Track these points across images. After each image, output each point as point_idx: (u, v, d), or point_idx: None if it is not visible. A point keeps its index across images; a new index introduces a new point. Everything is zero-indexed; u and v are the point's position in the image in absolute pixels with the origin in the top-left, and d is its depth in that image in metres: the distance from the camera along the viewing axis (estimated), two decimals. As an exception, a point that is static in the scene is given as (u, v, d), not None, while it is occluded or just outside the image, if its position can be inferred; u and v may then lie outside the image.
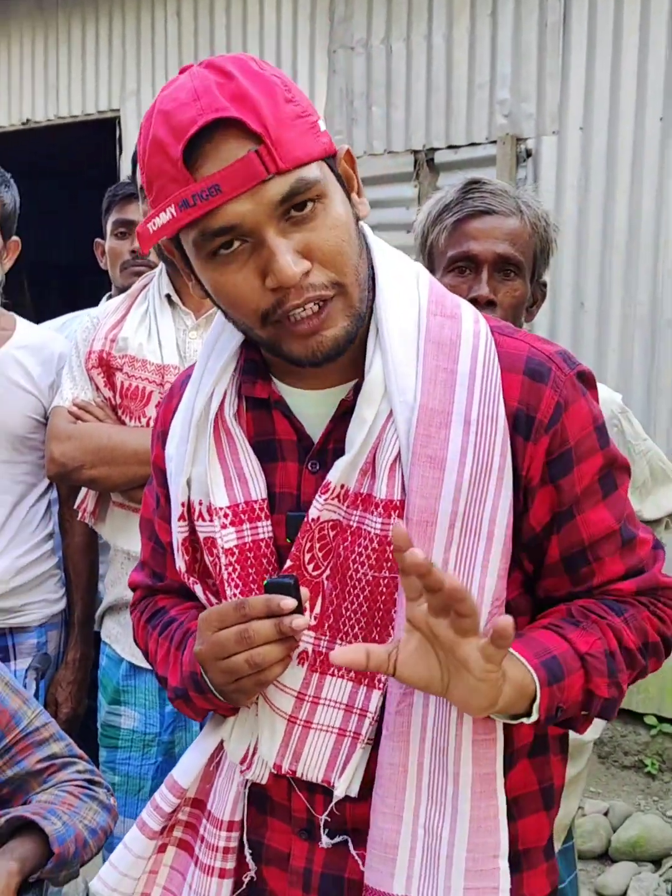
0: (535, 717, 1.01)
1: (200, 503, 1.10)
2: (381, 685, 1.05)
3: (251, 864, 1.16)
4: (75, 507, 2.15)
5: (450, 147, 4.56)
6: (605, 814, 3.74)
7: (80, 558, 2.30)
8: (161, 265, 2.13)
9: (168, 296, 2.09)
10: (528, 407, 1.05)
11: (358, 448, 1.03)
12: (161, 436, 1.20)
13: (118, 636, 2.12)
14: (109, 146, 5.84)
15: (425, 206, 1.71)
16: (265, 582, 1.01)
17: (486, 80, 4.44)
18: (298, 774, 1.08)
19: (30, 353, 2.23)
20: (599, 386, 1.89)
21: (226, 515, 1.08)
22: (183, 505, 1.12)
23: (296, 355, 1.02)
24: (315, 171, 0.98)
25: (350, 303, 1.01)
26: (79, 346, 2.13)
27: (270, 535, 1.09)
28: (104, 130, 5.91)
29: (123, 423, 2.06)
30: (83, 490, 2.14)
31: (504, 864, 1.04)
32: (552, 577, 1.11)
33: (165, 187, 0.97)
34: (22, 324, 2.29)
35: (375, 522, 1.03)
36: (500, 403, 1.04)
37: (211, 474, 1.09)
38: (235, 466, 1.10)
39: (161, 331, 2.07)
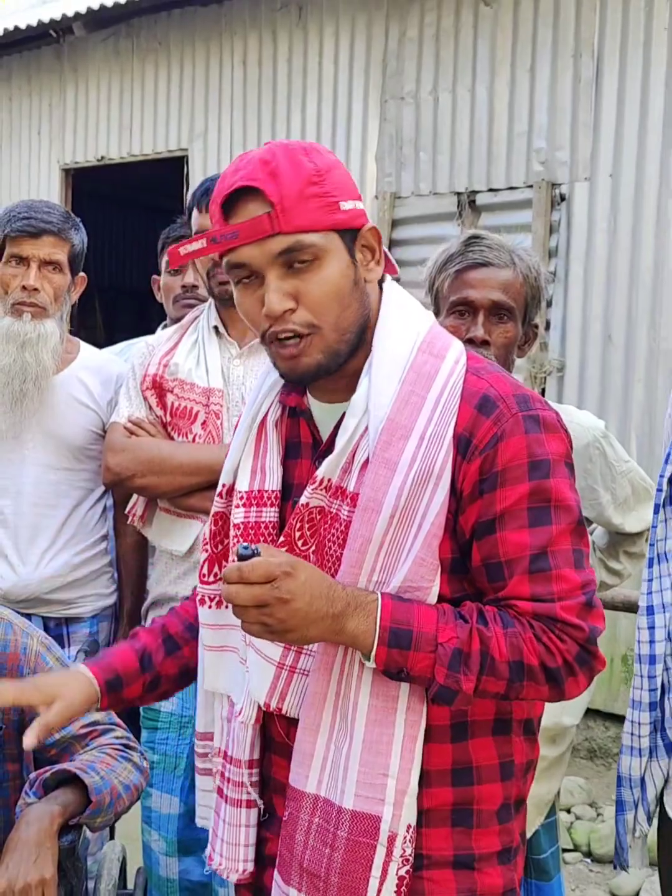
0: (372, 664, 1.19)
1: (225, 486, 1.36)
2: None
3: (258, 802, 1.33)
4: (126, 511, 2.27)
5: (490, 190, 4.67)
6: (622, 820, 3.81)
7: (130, 558, 2.40)
8: (210, 300, 2.28)
9: (216, 327, 2.23)
10: (471, 433, 1.21)
11: (339, 450, 1.25)
12: None
13: None
14: (178, 180, 6.01)
15: (433, 255, 1.88)
16: (236, 549, 1.20)
17: (525, 130, 4.54)
18: (284, 711, 1.26)
19: (91, 374, 2.37)
20: (586, 414, 2.04)
21: (242, 498, 1.32)
22: (224, 486, 1.36)
23: (281, 371, 1.27)
24: (316, 238, 1.20)
25: (326, 343, 1.22)
26: (135, 370, 2.27)
27: (273, 519, 1.30)
28: (174, 166, 6.07)
29: (172, 438, 2.19)
30: (134, 496, 2.26)
31: (391, 783, 1.20)
32: (479, 580, 1.24)
33: (210, 223, 1.25)
34: (85, 347, 2.45)
35: (344, 510, 1.24)
36: (451, 427, 1.21)
37: (243, 464, 1.33)
38: (262, 462, 1.33)
39: (208, 358, 2.21)
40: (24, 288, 2.21)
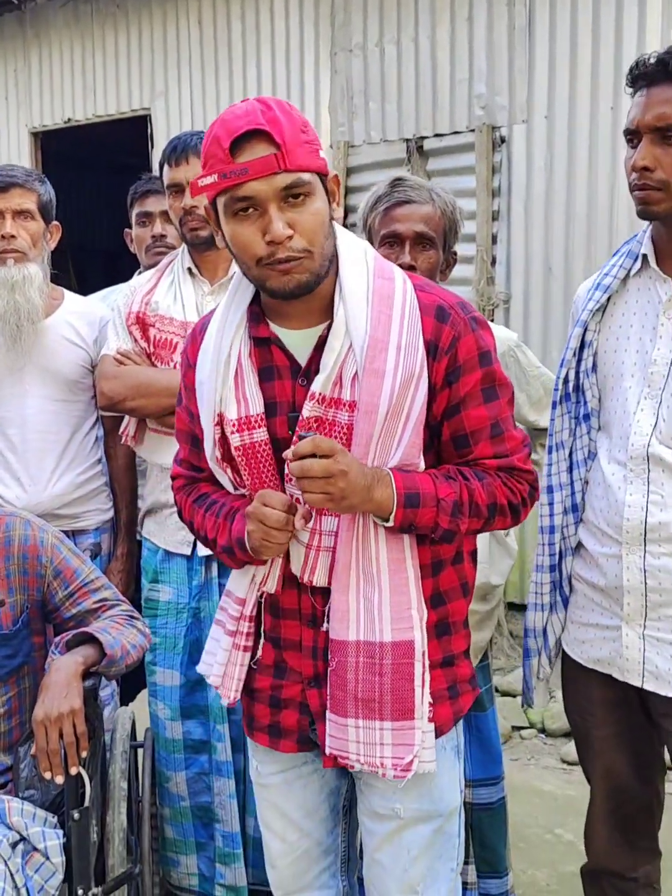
0: (391, 523, 1.45)
1: (218, 415, 1.51)
2: (337, 512, 1.49)
3: (257, 653, 1.61)
4: (120, 432, 2.48)
5: (436, 135, 4.76)
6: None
7: (123, 476, 2.62)
8: (183, 245, 2.47)
9: (189, 268, 2.43)
10: (436, 339, 1.48)
11: (330, 367, 1.45)
12: (191, 366, 1.58)
13: (154, 532, 2.45)
14: (143, 139, 6.02)
15: (366, 197, 2.12)
16: (299, 434, 1.42)
17: (465, 77, 4.62)
18: (316, 582, 1.50)
19: (78, 317, 2.57)
20: (500, 327, 2.31)
21: (234, 424, 1.50)
22: (219, 415, 1.51)
23: (274, 288, 1.43)
24: (309, 177, 1.40)
25: (313, 265, 1.42)
26: (120, 309, 2.46)
27: (265, 437, 1.50)
28: (137, 125, 6.07)
29: (155, 366, 2.38)
30: (126, 419, 2.46)
31: (414, 614, 1.48)
32: (446, 451, 1.54)
33: (215, 165, 1.38)
34: (68, 295, 2.64)
35: (344, 416, 1.46)
36: (420, 335, 1.47)
37: (226, 395, 1.50)
38: (244, 391, 1.50)
39: (184, 295, 2.41)
40: (2, 237, 2.38)
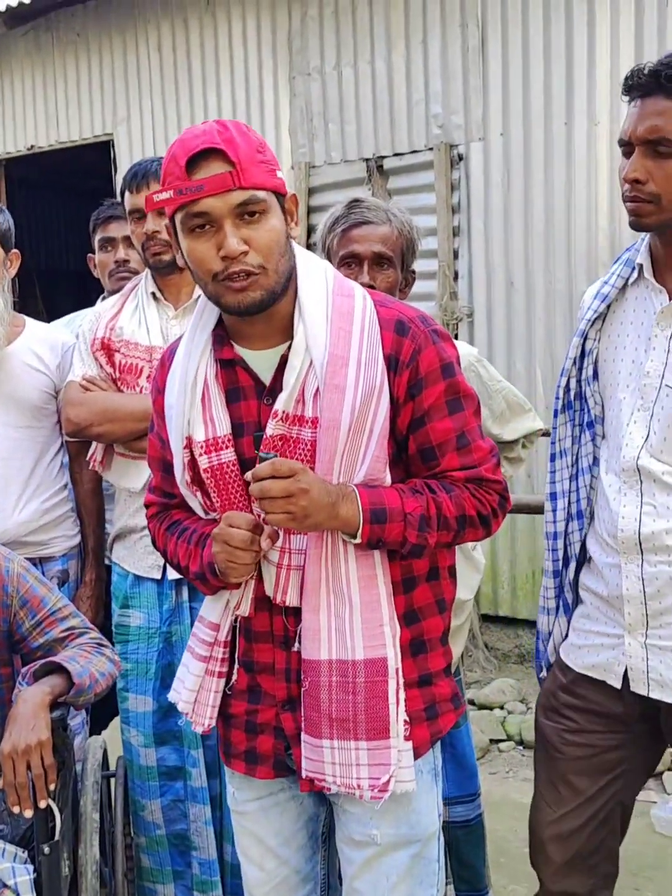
0: (357, 540, 1.43)
1: (188, 438, 1.50)
2: (306, 532, 1.47)
3: (234, 676, 1.57)
4: (87, 458, 2.45)
5: (395, 154, 4.80)
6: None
7: (89, 501, 2.58)
8: (147, 270, 2.45)
9: (153, 293, 2.41)
10: (397, 352, 1.47)
11: (291, 385, 1.43)
12: (160, 391, 1.58)
13: (124, 557, 2.41)
14: (106, 164, 6.01)
15: (323, 219, 2.11)
16: (259, 455, 1.40)
17: (422, 97, 4.66)
18: (288, 602, 1.48)
19: (40, 343, 2.52)
20: (461, 343, 2.31)
21: (202, 446, 1.49)
22: (187, 438, 1.50)
23: (228, 304, 1.43)
24: (264, 195, 1.41)
25: (268, 282, 1.41)
26: (85, 335, 2.44)
27: (232, 458, 1.49)
28: (101, 150, 6.06)
29: (121, 391, 2.35)
30: (93, 445, 2.43)
31: (387, 630, 1.46)
32: (414, 464, 1.52)
33: (172, 182, 1.39)
34: (30, 322, 2.59)
35: (307, 432, 1.44)
36: (380, 350, 1.46)
37: (194, 418, 1.49)
38: (211, 412, 1.49)
39: (148, 320, 2.39)
40: None
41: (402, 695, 1.48)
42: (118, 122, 5.91)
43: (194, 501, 1.56)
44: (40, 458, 2.51)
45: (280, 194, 1.45)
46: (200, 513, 1.57)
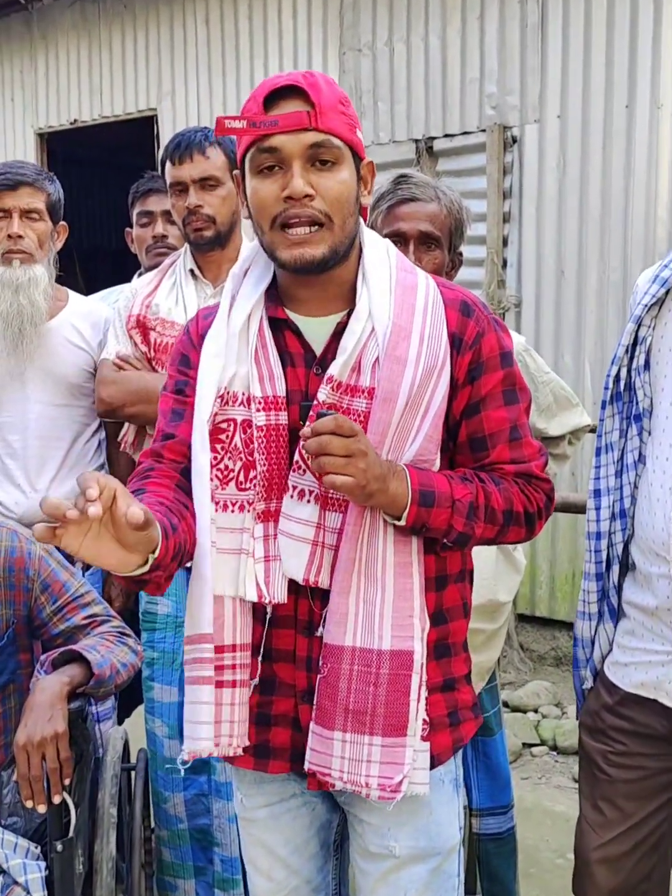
0: (402, 522, 1.37)
1: (243, 394, 1.40)
2: (345, 508, 1.40)
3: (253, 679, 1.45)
4: (118, 439, 2.43)
5: (446, 135, 4.71)
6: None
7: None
8: (186, 246, 2.41)
9: (192, 270, 2.37)
10: (461, 332, 1.43)
11: (350, 352, 1.38)
12: (195, 344, 1.46)
13: None
14: (149, 140, 5.99)
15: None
16: (318, 412, 1.31)
17: (477, 76, 4.56)
18: (320, 584, 1.39)
19: (82, 319, 2.52)
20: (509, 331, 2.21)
21: (259, 403, 1.40)
22: (224, 390, 1.40)
23: (285, 260, 1.36)
24: (340, 144, 1.36)
25: (332, 239, 1.36)
26: (120, 312, 2.41)
27: (285, 422, 1.41)
28: (144, 126, 6.03)
29: (156, 371, 2.33)
30: (125, 426, 2.41)
31: (416, 623, 1.39)
32: (461, 453, 1.47)
33: (247, 116, 1.35)
34: (73, 296, 2.59)
35: (361, 403, 1.39)
36: (444, 327, 1.42)
37: (251, 373, 1.41)
38: (267, 369, 1.41)
39: (186, 298, 2.35)
40: (9, 237, 2.34)
41: (424, 692, 1.42)
42: (163, 96, 5.88)
43: (203, 454, 1.40)
44: (77, 437, 2.50)
45: (357, 155, 1.41)
46: (205, 466, 1.40)
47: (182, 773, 1.63)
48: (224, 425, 1.43)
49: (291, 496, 1.41)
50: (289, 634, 1.47)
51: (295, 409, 1.42)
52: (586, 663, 1.82)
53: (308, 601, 1.45)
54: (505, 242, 4.58)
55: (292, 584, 1.43)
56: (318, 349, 1.44)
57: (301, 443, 1.37)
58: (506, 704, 4.11)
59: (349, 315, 1.42)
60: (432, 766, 1.44)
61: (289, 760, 1.49)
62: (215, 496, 1.41)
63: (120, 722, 2.60)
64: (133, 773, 2.17)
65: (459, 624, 1.52)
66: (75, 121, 6.36)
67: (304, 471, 1.40)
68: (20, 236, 2.35)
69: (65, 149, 6.96)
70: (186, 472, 1.45)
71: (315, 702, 1.42)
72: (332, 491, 1.37)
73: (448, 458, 1.47)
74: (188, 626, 1.42)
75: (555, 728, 3.94)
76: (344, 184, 1.37)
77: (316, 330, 1.45)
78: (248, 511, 1.42)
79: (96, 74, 6.18)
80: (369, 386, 1.39)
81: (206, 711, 1.41)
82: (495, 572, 2.05)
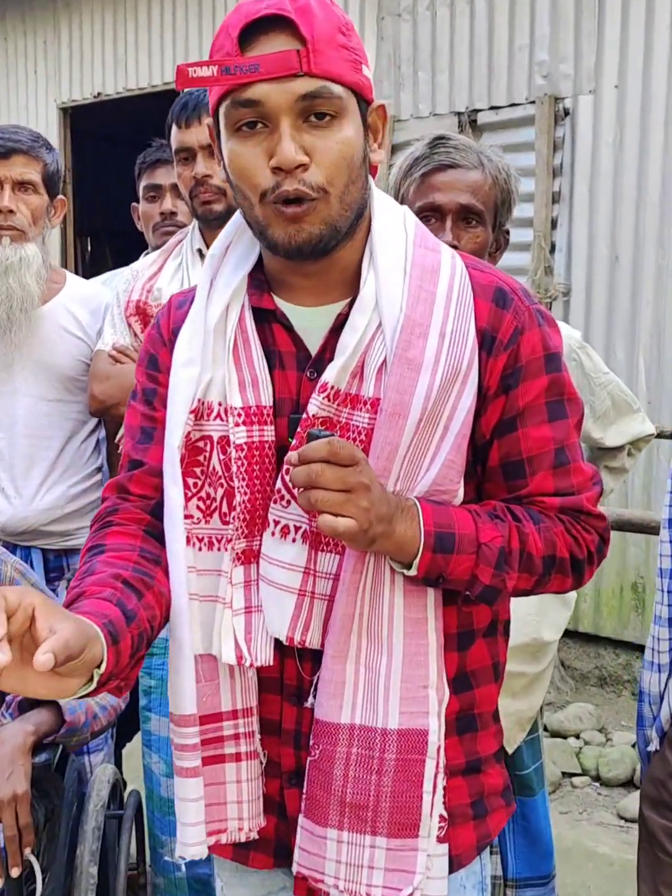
0: (413, 572, 1.12)
1: (219, 404, 1.17)
2: (341, 549, 1.15)
3: (260, 750, 1.23)
4: (115, 440, 2.26)
5: (492, 108, 4.54)
6: (633, 745, 3.82)
7: None
8: (194, 222, 2.22)
9: (199, 250, 2.17)
10: (494, 328, 1.16)
11: (350, 352, 1.13)
12: (165, 342, 1.24)
13: None
14: None
15: (398, 160, 1.79)
16: (307, 431, 1.07)
17: (526, 43, 4.39)
18: (309, 643, 1.16)
19: (79, 304, 2.33)
20: (562, 324, 1.97)
21: (239, 415, 1.16)
22: (199, 402, 1.17)
23: (276, 239, 1.11)
24: (341, 91, 1.08)
25: (330, 213, 1.10)
26: (119, 296, 2.24)
27: (271, 438, 1.17)
28: (171, 100, 5.98)
29: None
30: (123, 426, 2.26)
31: (432, 694, 1.15)
32: (492, 481, 1.21)
33: (219, 58, 1.07)
34: (72, 278, 2.41)
35: (363, 418, 1.14)
36: (472, 322, 1.15)
37: (229, 377, 1.17)
38: (250, 372, 1.17)
39: (193, 281, 2.12)
40: None
41: (441, 782, 1.17)
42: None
43: (175, 488, 1.18)
44: (72, 436, 2.33)
45: (364, 99, 1.13)
46: (178, 503, 1.18)
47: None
48: (201, 444, 1.19)
49: (272, 533, 1.16)
50: (273, 700, 1.23)
51: (283, 423, 1.17)
52: (652, 722, 1.62)
53: (296, 662, 1.20)
54: (554, 225, 4.39)
55: (276, 641, 1.19)
56: (313, 347, 1.18)
57: (285, 468, 1.12)
58: (544, 728, 3.89)
59: (352, 305, 1.16)
60: (452, 870, 1.19)
61: (273, 854, 1.25)
62: (194, 534, 1.19)
63: (117, 750, 2.41)
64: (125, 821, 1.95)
65: (488, 690, 1.26)
66: (99, 94, 6.27)
67: (289, 502, 1.15)
68: (11, 211, 2.17)
69: (89, 125, 6.82)
70: (158, 510, 1.21)
71: (305, 790, 1.19)
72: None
73: (474, 487, 1.21)
74: (171, 702, 1.20)
75: (598, 756, 3.73)
76: (346, 143, 1.10)
77: (310, 322, 1.19)
78: (226, 550, 1.17)
79: (121, 46, 6.07)
80: (373, 396, 1.14)
81: (193, 811, 1.19)
82: (540, 607, 1.84)
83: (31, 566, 2.20)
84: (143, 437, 1.24)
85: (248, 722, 1.22)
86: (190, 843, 1.20)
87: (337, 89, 1.08)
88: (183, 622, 1.17)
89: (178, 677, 1.18)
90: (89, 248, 9.30)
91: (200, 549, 1.19)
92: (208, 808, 1.22)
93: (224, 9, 5.49)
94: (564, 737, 3.90)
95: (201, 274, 1.26)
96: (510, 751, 1.82)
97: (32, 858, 1.48)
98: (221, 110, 1.11)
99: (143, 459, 1.23)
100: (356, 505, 1.04)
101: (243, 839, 1.23)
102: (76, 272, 6.96)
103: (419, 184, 1.72)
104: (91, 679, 1.01)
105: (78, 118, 6.62)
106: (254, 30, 1.06)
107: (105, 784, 1.88)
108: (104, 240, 8.99)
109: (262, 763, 1.24)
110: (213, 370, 1.18)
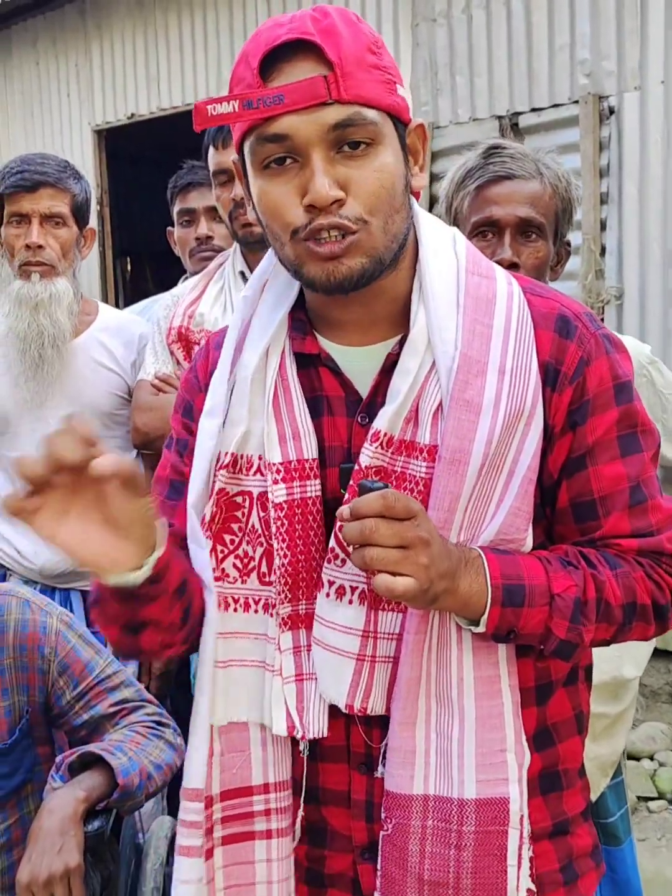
0: (481, 628, 1.05)
1: (259, 458, 1.11)
2: (403, 608, 1.07)
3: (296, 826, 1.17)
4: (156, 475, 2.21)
5: (533, 110, 4.45)
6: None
7: None
8: (236, 245, 2.16)
9: (242, 272, 2.11)
10: (557, 361, 1.08)
11: (403, 397, 1.06)
12: (202, 387, 1.18)
13: None
14: None
15: (450, 172, 1.70)
16: (360, 483, 1.00)
17: (567, 41, 4.31)
18: (371, 710, 1.09)
19: (112, 335, 2.28)
20: (627, 338, 1.86)
21: (278, 471, 1.09)
22: (232, 456, 1.11)
23: (313, 277, 1.04)
24: (375, 116, 1.01)
25: (372, 244, 1.03)
26: (160, 323, 2.18)
27: (318, 493, 1.10)
28: None
29: None
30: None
31: (511, 758, 1.07)
32: (562, 523, 1.12)
33: (240, 90, 1.01)
34: (104, 308, 2.36)
35: (420, 467, 1.07)
36: (534, 356, 1.07)
37: (268, 430, 1.10)
38: (291, 424, 1.11)
39: (236, 305, 2.11)
40: (27, 247, 2.12)
41: (527, 852, 1.09)
42: (223, 85, 5.67)
43: (201, 552, 1.11)
44: None
45: (401, 121, 1.06)
46: (205, 569, 1.12)
47: None
48: (240, 500, 1.11)
49: (327, 594, 1.08)
50: (341, 770, 1.14)
51: (334, 473, 1.09)
52: None
53: (360, 729, 1.12)
54: (603, 227, 4.29)
55: (337, 708, 1.10)
56: (364, 390, 1.10)
57: (337, 525, 1.04)
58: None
59: (403, 343, 1.08)
60: None
61: None
62: (229, 595, 1.13)
63: (171, 800, 2.32)
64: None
65: (573, 743, 1.17)
66: (132, 115, 6.26)
67: (344, 560, 1.07)
68: (40, 247, 2.13)
69: (125, 147, 6.83)
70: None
71: (380, 867, 1.10)
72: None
73: (543, 530, 1.12)
74: (184, 773, 1.13)
75: (676, 779, 3.59)
76: (386, 172, 1.02)
77: (360, 364, 1.11)
78: (270, 614, 1.10)
79: (153, 65, 6.06)
80: (431, 442, 1.07)
81: (184, 894, 1.11)
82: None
83: (71, 609, 2.13)
84: (171, 492, 1.19)
85: (282, 796, 1.15)
86: None
87: (371, 114, 1.01)
88: (204, 688, 1.11)
89: (190, 746, 1.13)
90: (129, 269, 9.39)
91: (235, 610, 1.13)
92: (231, 889, 1.15)
93: (256, 24, 5.46)
94: (638, 759, 3.75)
95: (232, 317, 1.19)
96: (593, 799, 1.71)
97: (89, 930, 1.39)
98: (246, 147, 1.04)
99: (170, 521, 1.13)
100: (415, 562, 0.96)
101: None
102: (117, 293, 6.89)
103: (474, 197, 1.63)
104: (143, 566, 1.00)
105: (118, 141, 6.63)
106: (275, 57, 0.99)
107: (163, 840, 1.78)
108: (144, 260, 9.04)
109: (293, 840, 1.16)
110: (249, 422, 1.11)
